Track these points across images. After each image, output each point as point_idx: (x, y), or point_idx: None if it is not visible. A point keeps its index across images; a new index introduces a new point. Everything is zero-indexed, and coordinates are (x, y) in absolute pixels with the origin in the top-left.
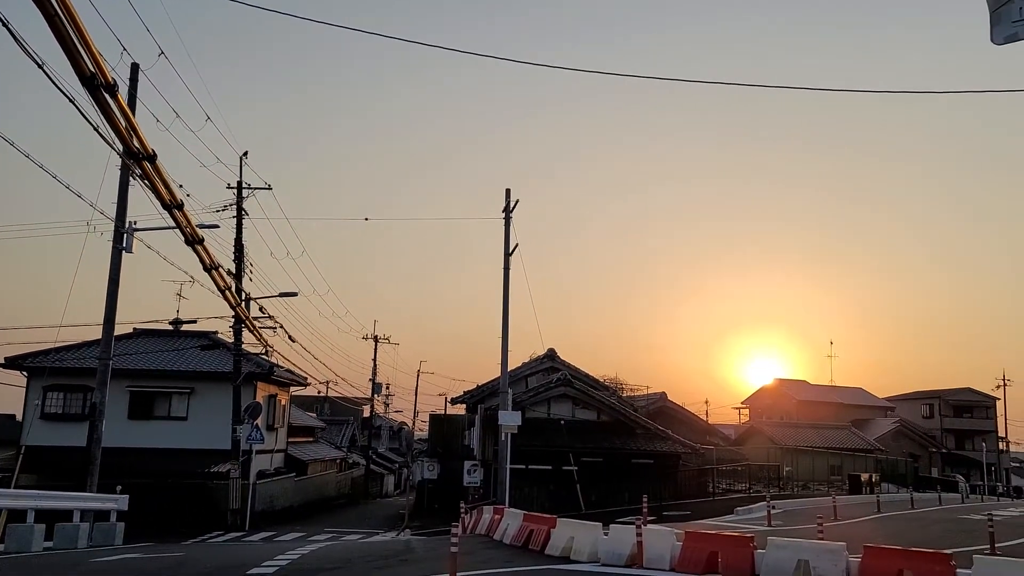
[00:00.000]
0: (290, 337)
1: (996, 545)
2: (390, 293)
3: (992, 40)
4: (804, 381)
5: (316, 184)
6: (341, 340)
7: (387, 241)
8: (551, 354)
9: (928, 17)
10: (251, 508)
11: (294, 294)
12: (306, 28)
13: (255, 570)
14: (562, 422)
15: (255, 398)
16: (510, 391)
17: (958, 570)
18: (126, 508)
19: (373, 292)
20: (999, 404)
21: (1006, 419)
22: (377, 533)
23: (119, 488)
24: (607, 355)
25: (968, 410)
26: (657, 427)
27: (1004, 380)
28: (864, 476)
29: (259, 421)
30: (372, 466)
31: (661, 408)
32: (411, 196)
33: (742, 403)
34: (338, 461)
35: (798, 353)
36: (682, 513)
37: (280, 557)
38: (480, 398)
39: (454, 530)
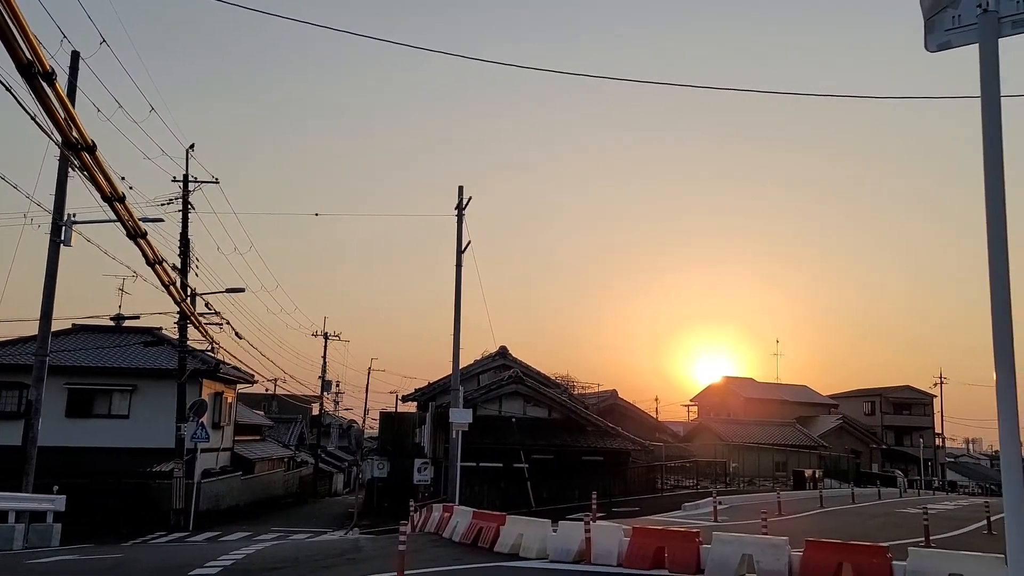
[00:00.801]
0: (237, 334)
1: (930, 537)
2: (341, 290)
3: (926, 48)
4: (751, 379)
5: (266, 179)
6: (290, 337)
7: (338, 238)
8: (503, 352)
9: (881, 20)
10: (195, 508)
11: (241, 290)
12: (264, 21)
13: (197, 571)
14: (513, 420)
15: (200, 396)
16: (461, 389)
17: (894, 562)
18: (63, 509)
19: (323, 289)
20: (936, 402)
21: (942, 416)
22: (325, 532)
23: (56, 488)
24: (559, 353)
25: (907, 407)
26: (607, 424)
27: (941, 378)
28: (808, 472)
29: (204, 419)
30: (321, 465)
31: (612, 406)
32: (362, 192)
33: (691, 400)
34: (286, 460)
35: (746, 351)
36: (631, 509)
37: (224, 557)
38: (431, 396)
39: (402, 528)
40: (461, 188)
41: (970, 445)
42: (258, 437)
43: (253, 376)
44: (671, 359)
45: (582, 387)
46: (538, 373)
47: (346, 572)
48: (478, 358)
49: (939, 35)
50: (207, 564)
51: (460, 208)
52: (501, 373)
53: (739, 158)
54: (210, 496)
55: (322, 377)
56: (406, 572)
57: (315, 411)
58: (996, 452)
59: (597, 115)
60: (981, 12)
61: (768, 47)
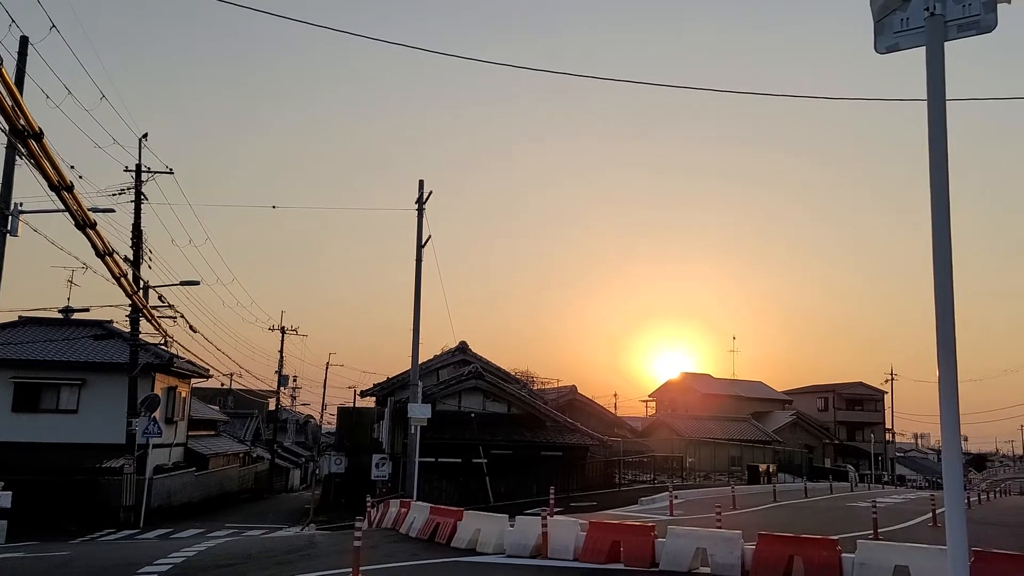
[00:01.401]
0: (191, 327)
1: (878, 530)
2: (299, 284)
3: (875, 49)
4: (708, 375)
5: (223, 171)
6: (246, 331)
7: (296, 231)
8: (463, 347)
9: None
10: (146, 504)
11: (196, 283)
12: (225, 10)
13: (147, 568)
14: (473, 415)
15: (153, 390)
16: (420, 384)
17: (843, 554)
18: (9, 505)
19: (281, 283)
20: (887, 398)
21: (893, 412)
22: (281, 528)
23: (1, 484)
24: (520, 349)
25: (859, 403)
26: (566, 420)
27: (892, 375)
28: (762, 467)
29: (157, 414)
30: (277, 460)
31: (571, 401)
32: (321, 186)
33: (649, 396)
34: (241, 455)
35: (704, 348)
36: (589, 504)
37: (175, 554)
38: (390, 391)
39: (358, 524)
40: (422, 182)
41: (919, 440)
42: (213, 432)
43: (208, 370)
44: (630, 355)
45: (542, 383)
46: (498, 369)
47: (301, 568)
48: (438, 353)
49: (888, 37)
50: (157, 562)
51: (420, 202)
52: (461, 368)
53: (699, 156)
54: (162, 492)
55: (279, 372)
56: (362, 568)
57: (272, 406)
58: None
59: (560, 112)
60: (928, 16)
61: (735, 46)
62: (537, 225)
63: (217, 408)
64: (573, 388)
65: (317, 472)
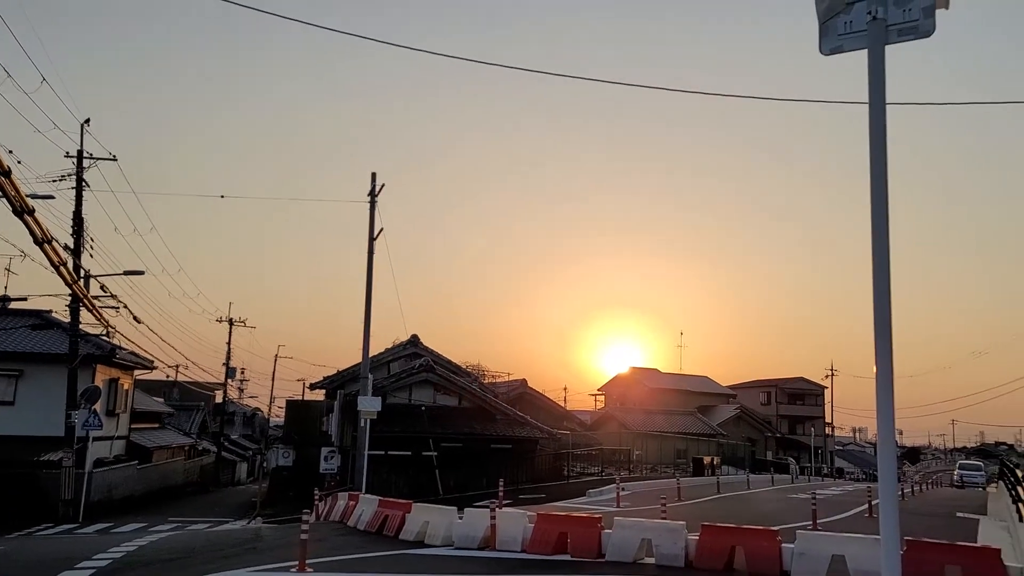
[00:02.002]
0: (136, 318)
1: (817, 521)
2: (248, 276)
3: (820, 50)
4: (656, 369)
5: (170, 160)
6: (193, 322)
7: (246, 221)
8: (414, 340)
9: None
10: (86, 498)
11: (140, 272)
12: None
13: (86, 563)
14: (423, 408)
15: (94, 381)
16: (371, 376)
17: (783, 545)
18: None
19: (229, 274)
20: (827, 393)
21: (832, 406)
22: (227, 522)
23: None
24: (471, 342)
25: (801, 398)
26: (516, 413)
27: (832, 371)
28: (707, 459)
29: (97, 406)
30: (224, 453)
31: (521, 394)
32: (273, 176)
33: (598, 390)
34: (186, 448)
35: (653, 342)
36: (537, 496)
37: (114, 549)
38: (340, 384)
39: (305, 517)
40: (374, 175)
41: (857, 434)
42: (157, 425)
43: (152, 362)
44: (581, 350)
45: (492, 376)
46: (449, 362)
47: (246, 562)
48: (389, 346)
49: (832, 39)
50: (96, 556)
51: (373, 195)
52: (412, 361)
53: (650, 152)
54: (102, 486)
55: (226, 364)
56: (309, 561)
57: (219, 399)
58: None
59: (511, 106)
60: (871, 19)
61: (694, 45)
62: (489, 220)
63: (162, 400)
64: (523, 382)
65: (265, 465)
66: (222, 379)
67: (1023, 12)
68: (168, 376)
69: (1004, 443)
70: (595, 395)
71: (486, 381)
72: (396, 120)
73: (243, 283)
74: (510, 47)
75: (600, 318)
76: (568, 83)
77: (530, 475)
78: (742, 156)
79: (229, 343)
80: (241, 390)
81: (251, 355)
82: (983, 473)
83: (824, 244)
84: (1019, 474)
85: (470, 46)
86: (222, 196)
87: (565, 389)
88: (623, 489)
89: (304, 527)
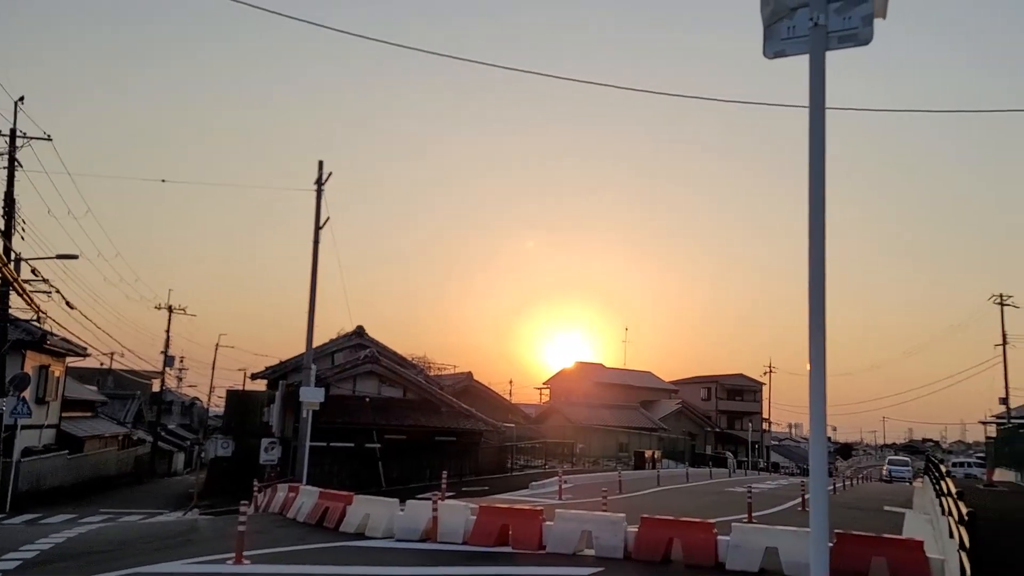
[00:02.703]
0: (68, 303)
1: (753, 514)
2: (189, 263)
3: (764, 54)
4: (601, 364)
5: (108, 142)
6: (130, 309)
7: (187, 207)
8: (360, 331)
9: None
10: (13, 489)
11: (75, 256)
12: None
13: (12, 555)
14: (367, 399)
15: (23, 368)
16: (314, 367)
17: (719, 537)
18: None
19: (169, 260)
20: (765, 389)
21: (770, 402)
22: (162, 513)
23: None
24: (418, 334)
25: (740, 394)
26: (462, 405)
27: (770, 368)
28: (648, 453)
29: (27, 393)
30: (160, 443)
31: (467, 387)
32: (216, 161)
33: (544, 384)
34: (120, 438)
35: (599, 337)
36: (481, 488)
37: (43, 540)
38: (283, 374)
39: (243, 508)
40: (321, 163)
41: (792, 429)
42: (90, 414)
43: (86, 349)
44: (527, 344)
45: (438, 368)
46: (394, 353)
47: (180, 554)
48: (334, 337)
49: (776, 43)
50: (23, 548)
51: (319, 183)
52: (357, 353)
53: (598, 149)
54: (31, 476)
55: (164, 352)
56: (246, 553)
57: (156, 387)
58: None
59: (459, 97)
60: (812, 25)
61: (645, 46)
62: (437, 212)
63: (95, 389)
64: (469, 374)
65: (203, 456)
66: (160, 367)
67: (964, 21)
68: (103, 364)
69: (931, 439)
70: (540, 389)
71: (432, 373)
72: (344, 110)
73: (184, 270)
74: (460, 38)
75: (547, 313)
76: (517, 76)
77: (474, 468)
78: (689, 155)
79: (168, 331)
80: (180, 379)
81: (191, 344)
82: (910, 468)
83: (767, 244)
84: (943, 469)
85: (421, 36)
86: (163, 180)
87: (511, 382)
88: (566, 482)
89: (242, 518)
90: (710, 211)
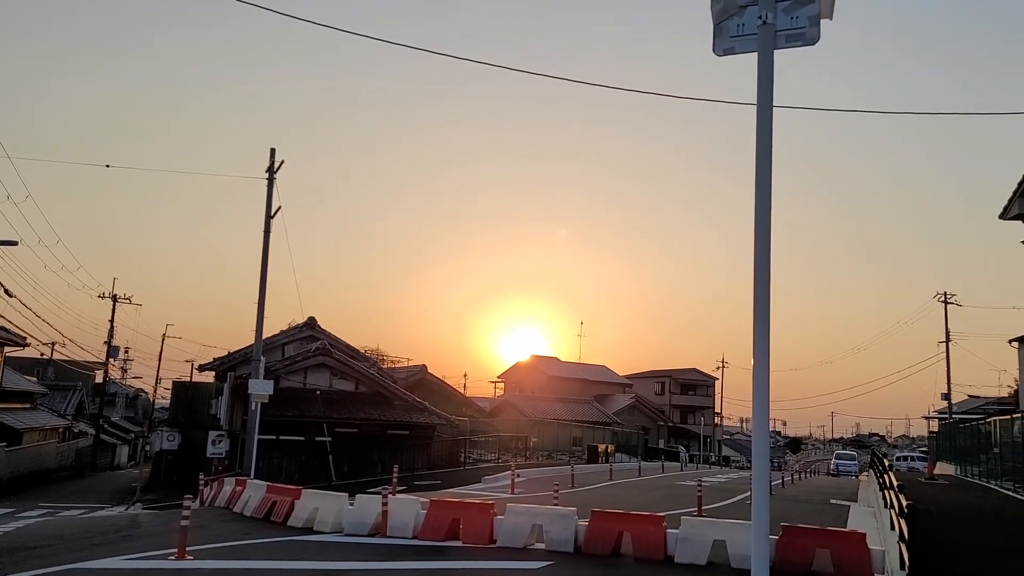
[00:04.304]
0: (6, 291)
1: (702, 507)
2: (135, 251)
3: (713, 51)
4: (556, 358)
5: (50, 125)
6: (72, 298)
7: (133, 194)
8: (311, 323)
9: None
10: None
11: (14, 243)
12: None
13: None
14: (318, 392)
15: None
16: (263, 359)
17: (668, 530)
18: None
19: (114, 248)
20: (718, 384)
21: (722, 397)
22: (103, 508)
23: None
24: (371, 327)
25: (693, 388)
26: (415, 399)
27: (723, 363)
28: (601, 447)
29: None
30: (103, 436)
31: (421, 380)
32: (164, 148)
33: (498, 377)
34: (61, 430)
35: (554, 331)
36: (433, 482)
37: None
38: (232, 366)
39: (186, 503)
40: (273, 151)
41: (744, 424)
42: (28, 405)
43: (25, 339)
44: (482, 337)
45: (392, 361)
46: (347, 346)
47: (120, 550)
48: (284, 328)
49: (725, 40)
50: None
51: (271, 171)
52: (308, 344)
53: (555, 142)
54: None
55: (108, 342)
56: (190, 548)
57: (99, 379)
58: None
59: (415, 88)
60: (761, 24)
61: (608, 43)
62: (392, 205)
63: (35, 379)
64: (423, 368)
65: (147, 449)
66: (103, 358)
67: (909, 23)
68: (43, 354)
69: (877, 434)
70: (495, 382)
71: (385, 366)
72: (297, 99)
73: (129, 258)
74: (420, 31)
75: (502, 306)
76: (474, 71)
77: (427, 461)
78: (646, 151)
79: (112, 321)
80: (124, 370)
81: (136, 334)
82: (856, 462)
83: (723, 239)
84: (886, 463)
85: (377, 25)
86: (107, 166)
87: (465, 376)
88: (519, 476)
89: (185, 512)
90: (666, 207)
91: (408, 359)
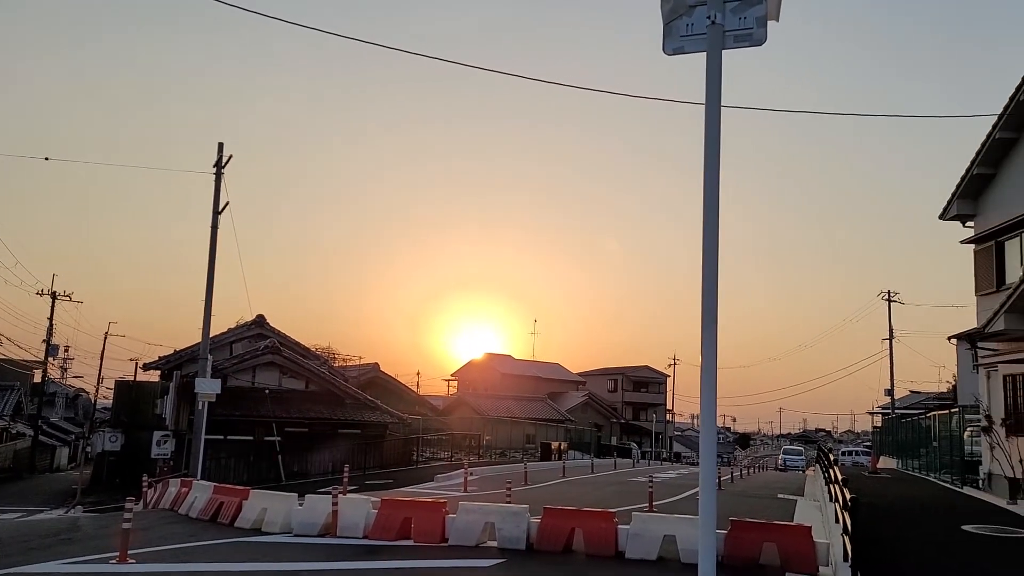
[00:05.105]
0: None
1: (653, 503)
2: (76, 247)
3: (663, 50)
4: (509, 356)
5: None
6: (8, 295)
7: (74, 188)
8: (260, 320)
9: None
10: None
11: None
12: None
13: None
14: (267, 391)
15: None
16: (211, 357)
17: (619, 526)
18: None
19: (54, 244)
20: (670, 381)
21: (674, 394)
22: (42, 511)
23: None
24: (323, 325)
25: (645, 385)
26: (367, 397)
27: (675, 360)
28: (554, 444)
29: None
30: (42, 437)
31: (373, 379)
32: (107, 141)
33: (452, 375)
34: None
35: (508, 329)
36: (385, 482)
37: None
38: (178, 364)
39: (128, 505)
40: (221, 145)
41: (695, 420)
42: None
43: None
44: (435, 335)
45: (344, 359)
46: (297, 344)
47: (58, 554)
48: (233, 326)
49: (675, 40)
50: None
51: (219, 166)
52: (257, 343)
53: (507, 139)
54: None
55: (47, 341)
56: (132, 551)
57: (37, 378)
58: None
59: (367, 86)
60: (710, 24)
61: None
62: (344, 201)
63: None
64: (375, 366)
65: (89, 450)
66: (42, 357)
67: (857, 24)
68: None
69: (823, 429)
70: (448, 380)
71: (337, 365)
72: (248, 96)
73: (70, 254)
74: (379, 25)
75: (456, 304)
76: (430, 70)
77: (379, 460)
78: (600, 150)
79: (51, 318)
80: (65, 369)
81: (77, 332)
82: (803, 457)
83: (676, 237)
84: (831, 458)
85: (331, 20)
86: (47, 159)
87: (418, 374)
88: (472, 474)
89: (127, 515)
90: (620, 205)
91: (360, 357)
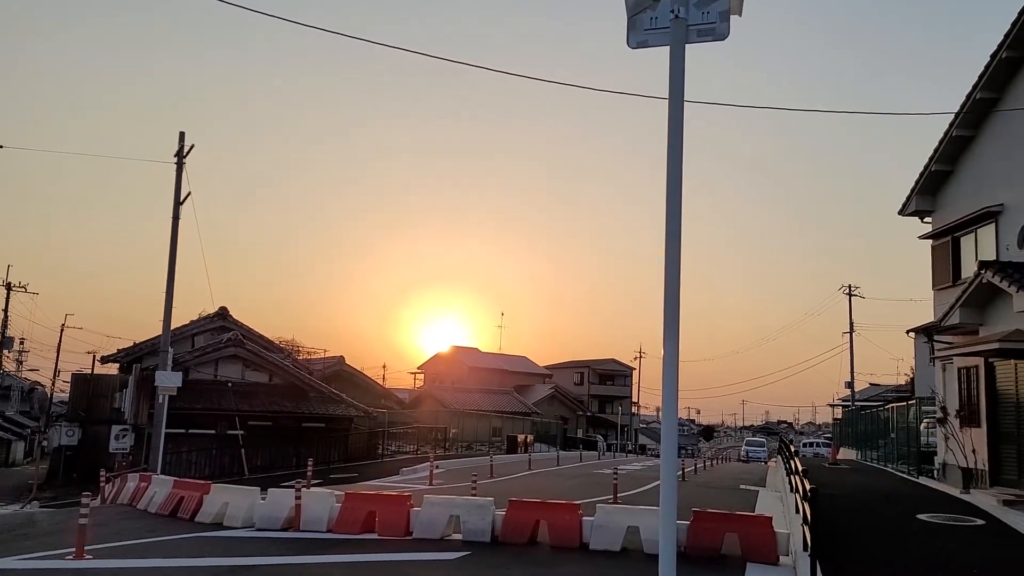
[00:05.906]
0: None
1: (618, 495)
2: (31, 237)
3: (627, 44)
4: (476, 349)
5: None
6: None
7: (29, 176)
8: (223, 313)
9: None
10: None
11: None
12: None
13: None
14: (230, 384)
15: None
16: (171, 350)
17: (584, 518)
18: None
19: (8, 234)
20: (635, 374)
21: (639, 387)
22: None
23: None
24: (287, 317)
25: (611, 378)
26: (331, 391)
27: (640, 353)
28: (521, 437)
29: None
30: None
31: (338, 372)
32: (64, 129)
33: (418, 368)
34: None
35: (475, 322)
36: (350, 475)
37: None
38: (138, 357)
39: (84, 500)
40: (182, 134)
41: (659, 413)
42: None
43: None
44: (402, 328)
45: (308, 352)
46: (261, 337)
47: (14, 550)
48: (195, 319)
49: (639, 33)
50: None
51: (180, 156)
52: (219, 335)
53: (474, 133)
54: None
55: (2, 333)
56: (89, 547)
57: None
58: (679, 420)
59: (335, 76)
60: (674, 17)
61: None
62: (308, 193)
63: None
64: (341, 359)
65: (45, 445)
66: None
67: (822, 21)
68: None
69: (785, 421)
70: (415, 373)
71: (301, 358)
72: (213, 85)
73: (24, 245)
74: (351, 16)
75: (422, 297)
76: (399, 57)
77: (344, 454)
78: (566, 144)
79: (6, 310)
80: (20, 362)
81: (33, 324)
82: (765, 449)
83: (641, 231)
84: (792, 449)
85: (300, 10)
86: (0, 146)
87: (384, 367)
88: (438, 467)
89: (84, 510)
90: (586, 199)
91: (325, 350)
